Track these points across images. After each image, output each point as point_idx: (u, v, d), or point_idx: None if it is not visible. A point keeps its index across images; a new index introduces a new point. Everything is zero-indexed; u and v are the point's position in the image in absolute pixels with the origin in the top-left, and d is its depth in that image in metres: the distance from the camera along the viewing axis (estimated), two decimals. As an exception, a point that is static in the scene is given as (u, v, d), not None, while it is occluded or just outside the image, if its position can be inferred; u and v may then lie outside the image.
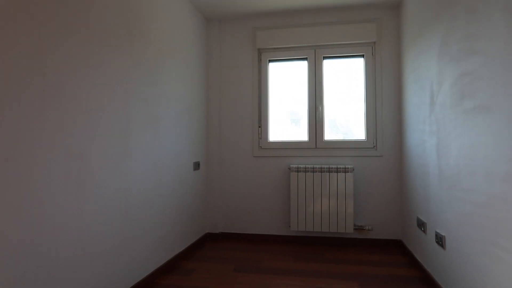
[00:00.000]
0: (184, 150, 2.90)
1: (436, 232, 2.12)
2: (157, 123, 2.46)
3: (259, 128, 3.37)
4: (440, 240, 2.05)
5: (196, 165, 3.14)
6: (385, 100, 3.13)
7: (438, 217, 2.10)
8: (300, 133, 3.31)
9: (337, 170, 3.06)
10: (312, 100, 3.25)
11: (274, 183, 3.32)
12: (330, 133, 3.26)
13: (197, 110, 3.16)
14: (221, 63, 3.45)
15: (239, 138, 3.40)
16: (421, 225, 2.41)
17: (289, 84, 3.34)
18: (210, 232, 3.40)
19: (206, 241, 3.31)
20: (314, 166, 3.11)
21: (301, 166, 3.13)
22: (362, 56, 3.21)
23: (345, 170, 3.04)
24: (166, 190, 2.59)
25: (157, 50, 2.45)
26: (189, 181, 3.01)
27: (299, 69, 3.32)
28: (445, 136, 1.98)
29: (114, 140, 1.95)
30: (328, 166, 3.09)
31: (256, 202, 3.35)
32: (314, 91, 3.25)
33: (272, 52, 3.35)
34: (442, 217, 2.03)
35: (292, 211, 3.13)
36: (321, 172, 3.08)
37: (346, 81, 3.24)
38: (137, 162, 2.19)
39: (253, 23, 3.39)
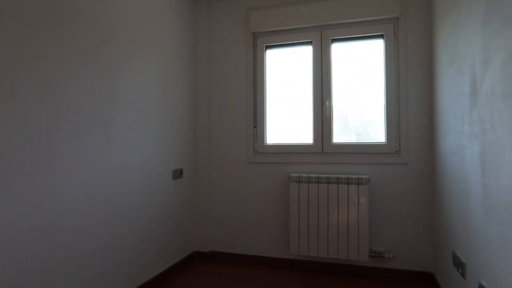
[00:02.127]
0: (157, 155, 2.41)
1: (480, 284, 1.44)
2: (110, 125, 1.98)
3: (254, 129, 2.80)
4: (485, 296, 1.38)
5: (177, 173, 2.64)
6: (411, 91, 2.43)
7: (483, 263, 1.42)
8: (303, 134, 2.70)
9: (349, 181, 2.42)
10: (318, 94, 2.63)
11: (271, 195, 2.74)
12: (340, 135, 2.62)
13: (177, 108, 2.66)
14: (210, 52, 2.92)
15: (231, 141, 2.86)
16: (459, 265, 1.73)
17: (290, 75, 2.74)
18: (199, 250, 2.89)
19: (193, 262, 2.81)
20: (320, 175, 2.49)
21: (304, 175, 2.52)
22: (381, 36, 2.53)
23: (359, 181, 2.40)
24: (126, 203, 2.11)
25: (110, 34, 1.96)
26: (167, 191, 2.52)
27: (302, 56, 2.71)
28: (494, 141, 1.31)
29: (28, 149, 1.48)
30: (337, 176, 2.45)
31: (251, 217, 2.80)
32: (320, 83, 2.63)
33: (269, 36, 2.77)
34: (489, 265, 1.36)
35: (292, 231, 2.54)
36: (328, 183, 2.46)
37: (361, 69, 2.58)
38: (73, 172, 1.72)
39: (246, 2, 2.82)
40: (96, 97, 1.88)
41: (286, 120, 2.75)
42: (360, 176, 2.41)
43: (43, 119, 1.57)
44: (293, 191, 2.55)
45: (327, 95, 2.61)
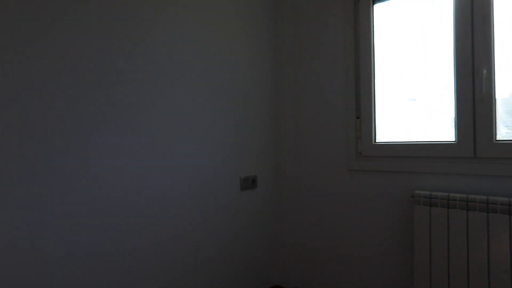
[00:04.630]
0: (217, 157, 1.80)
1: None
2: (143, 116, 1.47)
3: (357, 121, 1.92)
4: None
5: (248, 182, 1.98)
6: None
7: None
8: (437, 127, 1.68)
9: (533, 210, 1.31)
10: (466, 58, 1.58)
11: (383, 219, 1.80)
12: (510, 127, 1.50)
13: (249, 96, 2.00)
14: (296, 15, 2.17)
15: (324, 139, 2.04)
16: None
17: (410, 39, 1.76)
18: (281, 286, 2.16)
19: (269, 303, 2.10)
20: (471, 195, 1.45)
21: (440, 193, 1.52)
22: None
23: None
24: (167, 219, 1.55)
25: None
26: (231, 206, 1.88)
27: (433, 6, 1.70)
28: None
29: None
30: (508, 200, 1.37)
31: (352, 248, 1.91)
32: (469, 40, 1.57)
33: (380, -18, 1.85)
34: None
35: (417, 274, 1.56)
36: (488, 210, 1.40)
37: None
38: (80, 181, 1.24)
39: None
40: (124, 79, 1.38)
41: (407, 106, 1.78)
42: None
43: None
44: (420, 218, 1.56)
45: (484, 60, 1.53)
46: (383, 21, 1.86)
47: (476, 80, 1.55)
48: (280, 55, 2.21)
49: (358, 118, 1.92)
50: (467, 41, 1.57)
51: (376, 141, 1.88)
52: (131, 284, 1.44)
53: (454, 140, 1.62)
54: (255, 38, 2.04)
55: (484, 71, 1.53)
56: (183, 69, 1.65)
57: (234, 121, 1.90)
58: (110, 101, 1.39)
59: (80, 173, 1.30)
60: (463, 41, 1.58)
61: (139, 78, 1.48)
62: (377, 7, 1.88)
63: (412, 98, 1.76)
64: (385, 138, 1.86)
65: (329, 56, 2.01)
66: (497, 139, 1.51)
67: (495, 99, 1.51)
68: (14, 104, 1.14)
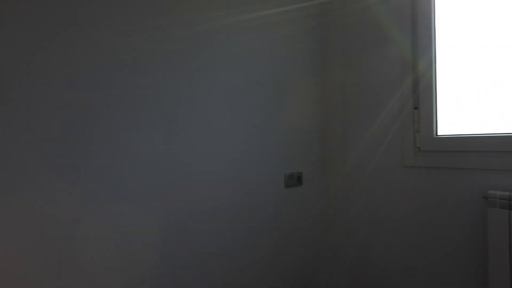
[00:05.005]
0: (258, 152, 1.71)
1: None
2: (182, 109, 1.41)
3: (415, 111, 1.71)
4: None
5: (293, 179, 1.87)
6: None
7: None
8: (517, 116, 1.43)
9: None
10: (555, 34, 1.31)
11: (448, 222, 1.58)
12: None
13: (292, 82, 1.87)
14: None
15: (376, 131, 1.85)
16: None
17: (481, 16, 1.52)
18: (329, 293, 2.02)
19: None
20: (563, 197, 1.20)
21: (520, 194, 1.29)
22: None
23: None
24: (202, 219, 1.49)
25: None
26: (275, 205, 1.78)
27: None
28: None
29: None
30: None
31: (413, 255, 1.71)
32: (559, 10, 1.30)
33: (442, -48, 1.62)
34: None
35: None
36: None
37: None
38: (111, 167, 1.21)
39: None
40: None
41: (475, 92, 1.54)
42: None
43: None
44: (495, 223, 1.34)
45: None
46: (446, -3, 1.63)
47: None
48: (328, 30, 2.05)
49: (416, 108, 1.71)
50: (556, 12, 1.31)
51: (438, 134, 1.67)
52: None
53: (538, 131, 1.37)
54: (300, 28, 1.91)
55: None
56: (225, 61, 1.58)
57: (276, 113, 1.79)
58: (149, 94, 1.35)
59: (112, 170, 1.27)
60: (550, 13, 1.32)
61: (180, 69, 1.43)
62: (438, -19, 1.65)
63: (481, 83, 1.52)
64: (448, 130, 1.64)
65: (378, 33, 1.82)
66: None
67: None
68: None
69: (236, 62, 1.62)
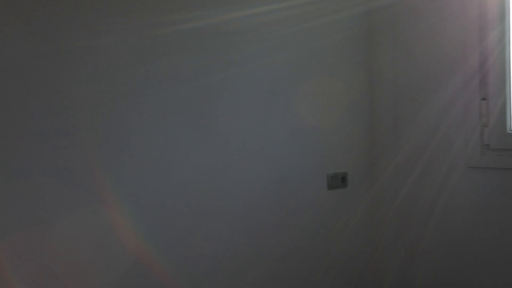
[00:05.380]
0: (296, 149, 1.58)
1: None
2: (217, 104, 1.35)
3: (483, 103, 1.46)
4: None
5: (337, 180, 1.71)
6: None
7: None
8: None
9: None
10: None
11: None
12: None
13: (336, 72, 1.69)
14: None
15: (433, 128, 1.62)
16: None
17: None
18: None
19: None
20: None
21: None
22: None
23: None
24: (232, 229, 1.40)
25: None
26: (316, 208, 1.64)
27: None
28: None
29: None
30: None
31: (481, 275, 1.48)
32: None
33: None
34: None
35: None
36: None
37: None
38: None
39: None
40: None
41: None
42: None
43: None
44: None
45: None
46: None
47: None
48: (374, 22, 1.83)
49: (483, 99, 1.46)
50: None
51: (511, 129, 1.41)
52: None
53: None
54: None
55: None
56: (265, 47, 1.47)
57: (318, 107, 1.64)
58: (181, 91, 1.29)
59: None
60: None
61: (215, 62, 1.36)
62: None
63: None
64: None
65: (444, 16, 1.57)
66: None
67: None
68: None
69: (276, 55, 1.51)
